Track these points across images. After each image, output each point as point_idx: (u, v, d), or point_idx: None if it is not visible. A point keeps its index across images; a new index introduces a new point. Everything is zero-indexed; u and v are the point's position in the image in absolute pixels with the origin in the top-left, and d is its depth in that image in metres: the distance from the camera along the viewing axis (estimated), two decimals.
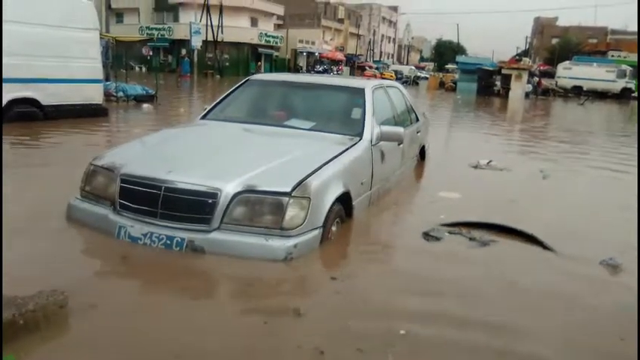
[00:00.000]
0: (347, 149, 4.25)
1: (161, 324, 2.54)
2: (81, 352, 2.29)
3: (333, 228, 3.81)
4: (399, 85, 6.77)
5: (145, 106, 12.69)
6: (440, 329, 2.62)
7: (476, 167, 7.27)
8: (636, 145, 9.09)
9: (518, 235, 4.15)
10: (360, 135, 4.58)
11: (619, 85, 37.50)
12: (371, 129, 4.66)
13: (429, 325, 2.66)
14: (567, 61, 40.78)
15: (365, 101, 4.94)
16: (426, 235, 4.06)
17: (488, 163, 7.48)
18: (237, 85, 5.61)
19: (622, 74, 37.61)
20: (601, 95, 36.49)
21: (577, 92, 36.31)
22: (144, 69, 35.36)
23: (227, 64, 38.11)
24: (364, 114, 4.82)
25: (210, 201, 3.37)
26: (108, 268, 3.27)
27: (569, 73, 38.51)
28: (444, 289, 3.14)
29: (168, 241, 3.38)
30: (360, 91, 5.10)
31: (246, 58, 43.34)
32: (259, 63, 44.14)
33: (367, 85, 5.30)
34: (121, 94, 12.96)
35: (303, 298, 2.97)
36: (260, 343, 2.41)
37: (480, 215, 4.51)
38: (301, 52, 51.42)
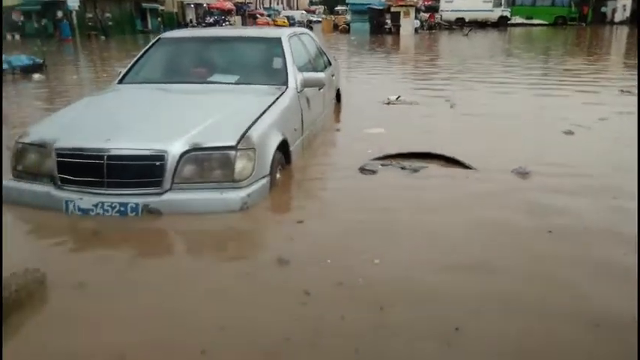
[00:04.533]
0: (277, 99, 4.38)
1: (151, 289, 2.61)
2: (72, 326, 2.34)
3: (278, 175, 4.01)
4: (310, 32, 6.92)
5: (36, 76, 11.66)
6: (406, 253, 2.97)
7: (388, 104, 7.71)
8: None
9: (442, 159, 4.63)
10: (286, 84, 4.72)
11: (496, 14, 39.89)
12: (294, 77, 4.81)
13: (397, 250, 3.00)
14: None
15: (284, 50, 5.05)
16: (363, 170, 4.41)
17: (397, 98, 7.95)
18: (148, 45, 5.47)
19: (498, 3, 39.99)
20: (481, 25, 38.78)
21: (460, 24, 38.27)
22: (17, 37, 31.78)
23: (110, 23, 35.40)
24: (285, 63, 4.94)
25: (158, 163, 3.41)
26: (78, 244, 3.23)
27: (452, 6, 40.28)
28: (398, 211, 3.54)
29: (122, 208, 3.41)
30: (277, 41, 5.19)
31: (131, 15, 40.50)
32: (159, 19, 42.24)
33: (283, 34, 5.40)
34: (5, 66, 11.77)
35: (280, 243, 3.13)
36: (249, 293, 2.57)
37: (404, 146, 4.92)
38: (189, 5, 48.92)
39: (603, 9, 45.32)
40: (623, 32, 31.85)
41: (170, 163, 3.42)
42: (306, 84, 4.88)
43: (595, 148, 5.19)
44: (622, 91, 8.52)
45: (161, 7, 44.64)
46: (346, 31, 35.20)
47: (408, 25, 31.68)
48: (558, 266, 2.80)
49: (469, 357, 2.09)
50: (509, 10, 40.24)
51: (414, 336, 2.21)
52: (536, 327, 2.27)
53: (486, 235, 3.18)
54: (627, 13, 43.52)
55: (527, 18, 40.64)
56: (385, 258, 2.87)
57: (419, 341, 2.18)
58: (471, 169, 4.40)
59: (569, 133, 5.60)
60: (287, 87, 4.69)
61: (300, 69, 5.07)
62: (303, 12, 58.92)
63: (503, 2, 40.01)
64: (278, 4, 78.31)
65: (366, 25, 33.02)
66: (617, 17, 43.63)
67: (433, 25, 36.93)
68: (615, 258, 2.87)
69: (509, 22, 39.59)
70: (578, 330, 2.24)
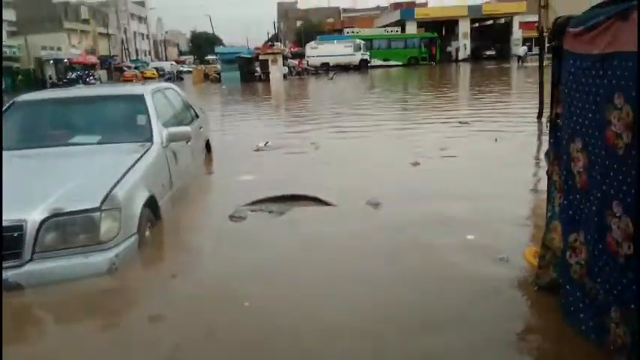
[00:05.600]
0: (142, 156, 4.44)
1: None
2: None
3: (147, 232, 4.05)
4: (174, 86, 7.08)
5: None
6: (273, 292, 3.20)
7: (257, 150, 8.06)
8: None
9: (305, 199, 5.01)
10: (150, 140, 4.79)
11: (357, 57, 43.05)
12: (159, 132, 4.91)
13: (264, 290, 3.21)
14: (313, 42, 45.25)
15: (147, 106, 5.12)
16: (232, 217, 4.62)
17: (265, 144, 8.34)
18: (1, 110, 5.26)
19: (358, 48, 43.26)
20: (345, 68, 41.49)
21: (326, 68, 40.60)
22: None
23: None
24: (149, 119, 5.02)
25: (15, 234, 3.30)
26: None
27: (316, 52, 42.80)
28: (266, 253, 3.78)
29: None
30: (140, 97, 5.26)
31: None
32: (19, 77, 39.49)
33: (145, 90, 5.49)
34: None
35: (153, 300, 3.21)
36: (121, 354, 2.63)
37: (272, 190, 5.22)
38: (47, 60, 46.11)
39: (448, 48, 51.16)
40: (466, 68, 36.12)
41: (29, 232, 3.33)
42: (172, 138, 4.99)
43: (434, 174, 6.01)
44: (460, 122, 9.80)
45: (16, 65, 41.68)
46: (217, 80, 35.55)
47: (276, 71, 32.92)
48: (402, 279, 3.24)
49: None
50: (369, 53, 43.61)
51: None
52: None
53: (347, 267, 3.52)
54: (468, 52, 49.54)
55: (385, 60, 44.42)
56: (254, 299, 3.07)
57: None
58: (330, 205, 4.82)
59: (416, 164, 6.36)
60: (152, 143, 4.76)
61: (166, 124, 5.18)
62: (173, 63, 58.47)
63: (362, 47, 43.29)
64: (146, 55, 76.88)
65: (237, 74, 33.69)
66: (460, 55, 49.47)
67: (301, 71, 38.75)
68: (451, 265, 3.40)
69: (369, 64, 42.81)
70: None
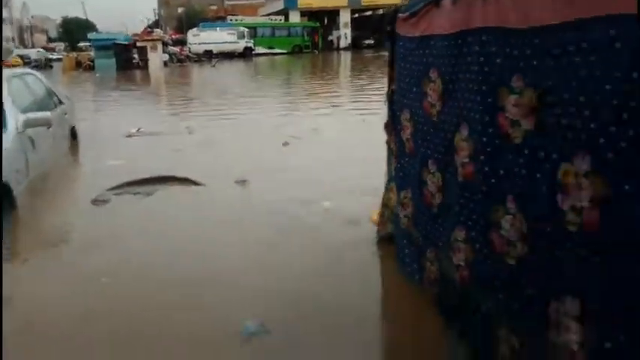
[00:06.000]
0: None
1: None
2: None
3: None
4: (36, 73, 6.77)
5: None
6: (134, 267, 3.29)
7: (129, 136, 7.89)
8: None
9: (176, 180, 5.09)
10: (5, 126, 4.58)
11: (241, 45, 42.61)
12: (14, 118, 4.70)
13: (125, 266, 3.29)
14: (195, 29, 44.00)
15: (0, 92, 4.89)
16: (95, 202, 4.57)
17: (138, 130, 8.19)
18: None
19: (242, 35, 42.84)
20: (229, 55, 40.96)
21: (209, 56, 39.77)
22: None
23: None
24: (1, 105, 4.79)
25: None
26: None
27: (199, 39, 41.70)
28: (126, 233, 3.84)
29: None
30: None
31: None
32: None
33: None
34: None
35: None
36: None
37: (143, 174, 5.21)
38: None
39: (330, 37, 52.58)
40: (346, 56, 37.52)
41: None
42: (30, 124, 4.79)
43: (300, 152, 6.41)
44: (333, 105, 10.34)
45: None
46: (91, 68, 33.34)
47: (156, 59, 31.72)
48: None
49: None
50: (253, 41, 43.44)
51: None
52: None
53: (212, 239, 3.71)
54: (349, 41, 51.32)
55: (269, 48, 44.53)
56: (114, 275, 3.15)
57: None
58: (200, 185, 4.95)
59: (286, 144, 6.69)
60: (6, 129, 4.55)
61: (25, 110, 4.96)
62: (40, 49, 53.48)
63: (246, 35, 42.98)
64: (9, 42, 69.50)
65: (112, 61, 31.85)
66: (342, 44, 51.04)
67: (183, 58, 37.57)
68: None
69: (253, 52, 42.68)
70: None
